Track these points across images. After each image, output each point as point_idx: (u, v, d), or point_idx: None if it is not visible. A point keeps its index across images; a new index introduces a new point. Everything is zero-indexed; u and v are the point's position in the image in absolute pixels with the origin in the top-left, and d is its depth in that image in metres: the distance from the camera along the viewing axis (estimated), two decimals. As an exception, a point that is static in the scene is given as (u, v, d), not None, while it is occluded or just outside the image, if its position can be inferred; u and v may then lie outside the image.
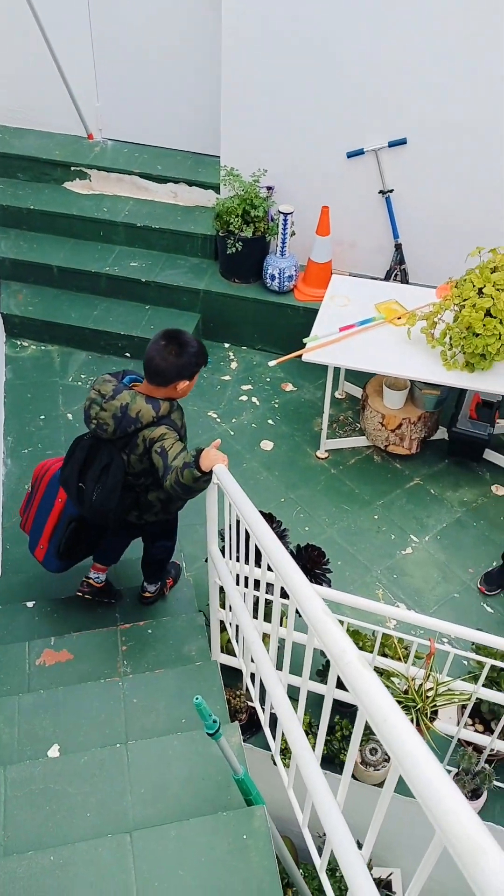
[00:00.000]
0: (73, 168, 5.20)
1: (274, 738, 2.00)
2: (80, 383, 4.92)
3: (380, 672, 2.92)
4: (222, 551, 2.76)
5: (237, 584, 2.48)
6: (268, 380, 4.97)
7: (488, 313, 3.59)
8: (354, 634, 3.04)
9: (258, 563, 2.29)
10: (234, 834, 1.90)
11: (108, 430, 2.57)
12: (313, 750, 1.60)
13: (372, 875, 3.17)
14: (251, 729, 3.07)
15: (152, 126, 5.22)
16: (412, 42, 4.11)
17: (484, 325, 3.58)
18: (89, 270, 5.02)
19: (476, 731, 3.04)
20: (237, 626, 2.43)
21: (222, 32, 4.36)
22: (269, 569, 1.80)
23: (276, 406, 4.81)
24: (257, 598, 2.50)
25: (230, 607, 2.48)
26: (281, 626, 2.02)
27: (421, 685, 2.75)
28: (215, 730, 1.77)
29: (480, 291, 3.61)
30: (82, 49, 4.98)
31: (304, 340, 4.07)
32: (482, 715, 3.05)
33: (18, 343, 5.13)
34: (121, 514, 2.73)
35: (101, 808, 2.11)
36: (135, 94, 5.13)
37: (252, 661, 2.11)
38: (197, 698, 1.72)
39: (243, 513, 1.89)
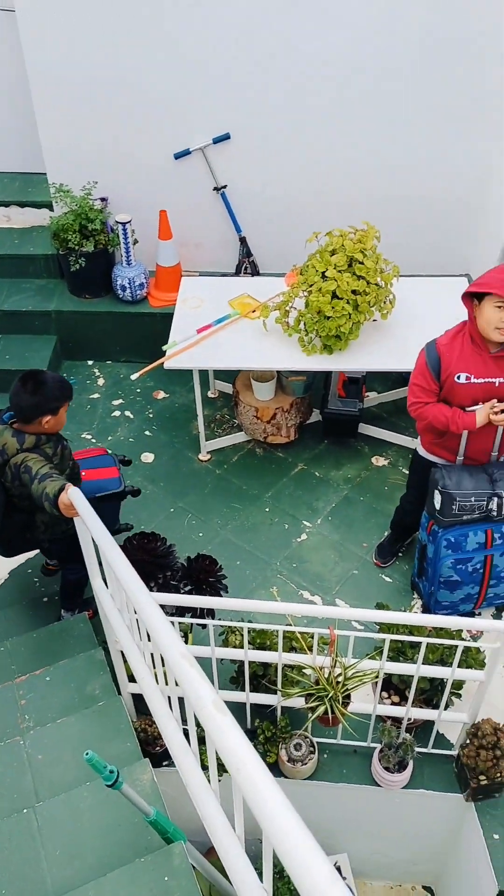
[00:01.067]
0: None
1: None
2: None
3: (290, 668, 2.92)
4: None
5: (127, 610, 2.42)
6: (138, 391, 4.89)
7: (335, 295, 3.64)
8: (261, 634, 3.03)
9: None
10: (155, 879, 1.85)
11: None
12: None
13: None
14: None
15: (-29, 151, 5.01)
16: (222, 36, 4.09)
17: (333, 308, 3.63)
18: None
19: (392, 703, 3.09)
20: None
21: (23, 48, 4.20)
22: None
23: (151, 416, 4.74)
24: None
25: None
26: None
27: (330, 672, 2.77)
28: (113, 780, 1.71)
29: (324, 275, 3.65)
30: None
31: (164, 348, 4.02)
32: (395, 686, 3.11)
33: None
34: (15, 545, 3.10)
35: (15, 881, 2.01)
36: None
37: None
38: (87, 753, 1.65)
39: (107, 559, 1.82)
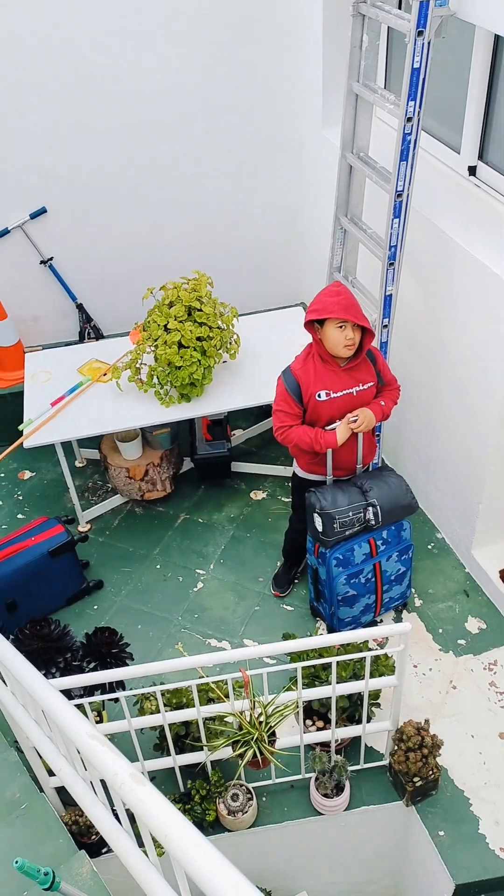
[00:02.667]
0: None
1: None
2: None
3: (212, 720, 2.89)
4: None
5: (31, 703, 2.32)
6: (2, 475, 4.74)
7: (181, 345, 3.71)
8: (176, 693, 2.98)
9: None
10: None
11: None
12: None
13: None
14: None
15: None
16: (23, 114, 4.13)
17: (181, 357, 3.69)
18: None
19: (318, 728, 3.12)
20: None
21: None
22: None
23: (21, 498, 4.60)
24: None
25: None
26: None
27: (251, 714, 2.76)
28: (50, 883, 1.63)
29: (166, 328, 3.72)
30: None
31: (20, 427, 3.93)
32: (317, 711, 3.14)
33: None
34: None
35: None
36: None
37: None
38: (17, 861, 1.56)
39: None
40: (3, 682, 2.51)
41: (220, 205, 4.64)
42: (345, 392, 3.12)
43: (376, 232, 3.40)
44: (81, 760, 1.77)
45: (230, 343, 3.91)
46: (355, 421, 3.10)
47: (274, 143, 4.53)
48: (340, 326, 2.94)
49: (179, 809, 2.97)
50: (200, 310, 3.72)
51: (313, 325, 3.03)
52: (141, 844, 1.54)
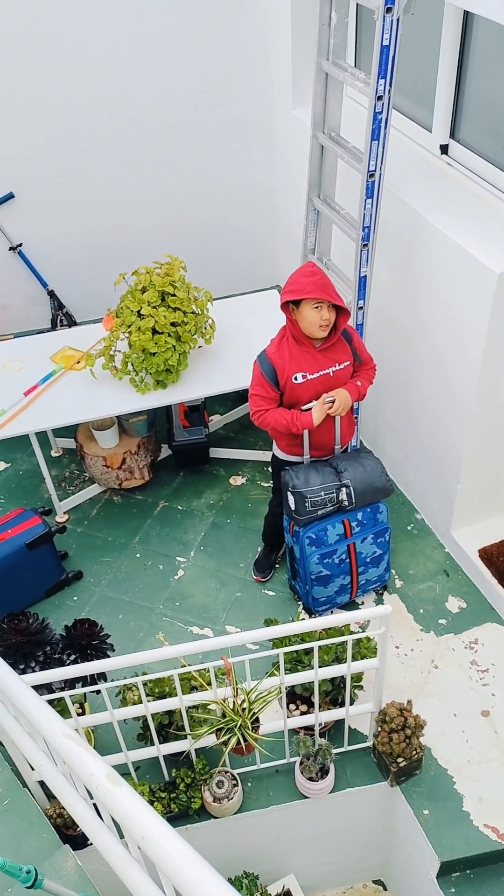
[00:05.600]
0: None
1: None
2: None
3: (195, 708, 2.88)
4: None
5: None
6: (-23, 468, 4.67)
7: (155, 331, 3.66)
8: (159, 683, 2.96)
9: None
10: None
11: None
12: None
13: (270, 893, 3.16)
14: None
15: None
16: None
17: (156, 343, 3.65)
18: None
19: (302, 713, 3.12)
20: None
21: None
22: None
23: (-3, 490, 4.54)
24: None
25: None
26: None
27: (234, 701, 2.75)
28: (32, 881, 1.61)
29: (139, 314, 3.66)
30: None
31: (-7, 419, 3.87)
32: (301, 696, 3.14)
33: None
34: None
35: None
36: None
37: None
38: (-4, 861, 1.54)
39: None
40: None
41: (193, 187, 4.58)
42: (321, 373, 3.10)
43: (349, 213, 3.36)
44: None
45: (205, 328, 3.87)
46: (331, 402, 3.08)
47: (246, 123, 4.47)
48: (316, 307, 2.92)
49: (164, 798, 2.97)
50: (174, 295, 3.67)
51: (288, 306, 3.00)
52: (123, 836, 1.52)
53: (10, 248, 4.51)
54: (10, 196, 4.35)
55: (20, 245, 4.51)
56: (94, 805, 1.67)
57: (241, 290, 4.69)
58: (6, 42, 3.90)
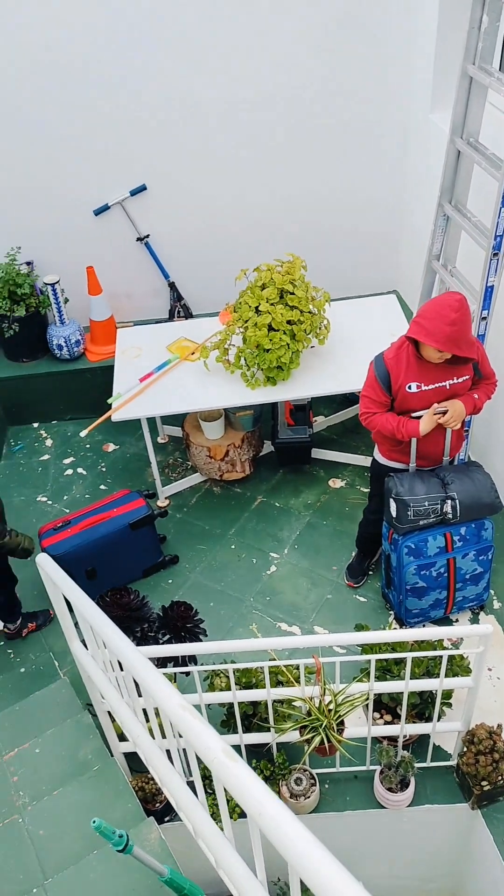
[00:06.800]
0: None
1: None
2: None
3: (280, 703, 2.90)
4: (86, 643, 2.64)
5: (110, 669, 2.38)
6: (88, 447, 4.85)
7: (271, 328, 3.70)
8: (246, 673, 3.01)
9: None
10: (178, 940, 1.80)
11: None
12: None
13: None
14: (175, 806, 2.95)
15: None
16: (127, 92, 4.18)
17: (271, 340, 3.68)
18: None
19: (385, 722, 3.09)
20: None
21: None
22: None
23: (104, 470, 4.70)
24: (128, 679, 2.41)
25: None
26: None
27: (320, 702, 2.76)
28: (124, 845, 1.67)
29: (257, 310, 3.71)
30: None
31: (109, 401, 4.01)
32: (386, 705, 3.12)
33: None
34: None
35: None
36: None
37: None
38: (94, 821, 1.61)
39: (88, 620, 1.79)
40: (85, 646, 2.58)
41: (319, 187, 4.59)
42: (437, 385, 3.05)
43: (481, 220, 3.29)
44: (160, 728, 1.80)
45: (320, 328, 3.88)
46: (444, 413, 3.02)
47: (380, 126, 4.44)
48: (440, 349, 2.88)
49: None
50: (293, 293, 3.70)
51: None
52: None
53: (138, 239, 4.66)
54: (143, 188, 4.48)
55: (147, 236, 4.65)
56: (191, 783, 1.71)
57: (359, 293, 4.67)
58: (151, 42, 4.03)
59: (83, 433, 4.29)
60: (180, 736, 1.27)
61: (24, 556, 3.37)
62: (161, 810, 2.84)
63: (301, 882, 1.04)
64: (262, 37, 4.08)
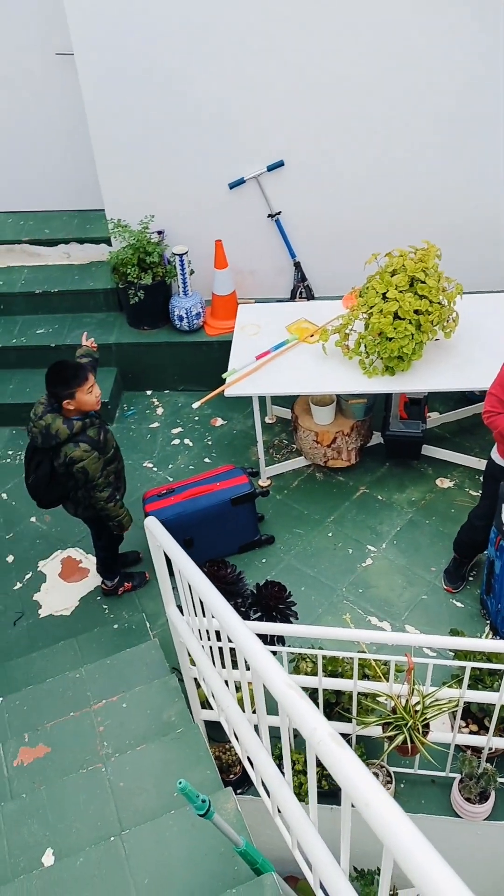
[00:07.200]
0: (-40, 249, 5.09)
1: (268, 794, 1.93)
2: (8, 461, 4.78)
3: (364, 696, 2.87)
4: (181, 609, 2.69)
5: (201, 638, 2.41)
6: (196, 419, 4.92)
7: (396, 316, 3.63)
8: (333, 661, 2.99)
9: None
10: (247, 911, 1.82)
11: (38, 442, 3.22)
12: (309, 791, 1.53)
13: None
14: (248, 779, 2.98)
15: (33, 192, 5.16)
16: (274, 68, 4.16)
17: (395, 329, 3.61)
18: (-4, 346, 4.92)
19: (471, 732, 3.01)
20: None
21: (81, 90, 4.34)
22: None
23: (210, 443, 4.76)
24: (223, 648, 2.43)
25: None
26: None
27: (407, 701, 2.71)
28: (206, 810, 1.70)
29: (384, 296, 3.64)
30: None
31: (223, 376, 4.04)
32: (473, 714, 3.03)
33: None
34: (50, 500, 3.43)
35: (106, 911, 2.00)
36: (9, 165, 5.07)
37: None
38: (181, 782, 1.64)
39: (190, 579, 1.82)
40: (181, 611, 2.63)
41: (462, 175, 4.43)
42: None
43: None
44: (251, 701, 1.81)
45: (448, 320, 3.76)
46: None
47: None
48: None
49: (318, 773, 3.00)
50: (424, 282, 3.60)
51: None
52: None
53: (269, 216, 4.65)
54: (281, 164, 4.47)
55: (279, 213, 4.64)
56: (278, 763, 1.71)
57: (492, 288, 4.50)
58: (290, 23, 3.98)
59: (195, 405, 4.35)
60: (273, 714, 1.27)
61: (118, 530, 3.50)
62: (236, 782, 2.87)
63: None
64: (416, 14, 3.95)
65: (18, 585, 4.07)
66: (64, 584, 4.04)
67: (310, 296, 4.83)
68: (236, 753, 2.96)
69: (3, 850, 2.41)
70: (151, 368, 4.99)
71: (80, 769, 2.62)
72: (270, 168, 4.48)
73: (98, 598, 3.94)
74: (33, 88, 4.76)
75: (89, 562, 4.12)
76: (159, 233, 4.73)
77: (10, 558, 4.22)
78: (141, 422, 4.93)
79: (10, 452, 4.81)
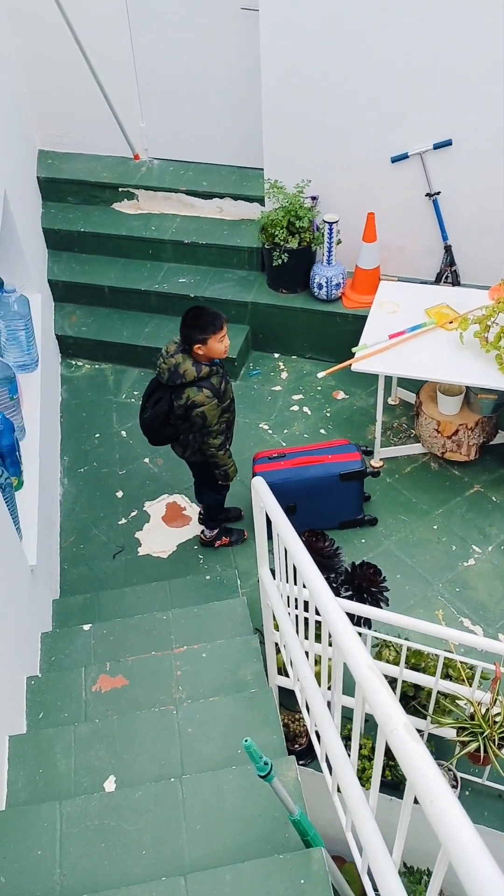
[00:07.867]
0: (120, 189, 5.22)
1: (331, 772, 1.94)
2: (133, 400, 4.94)
3: (444, 696, 2.81)
4: (273, 572, 2.71)
5: (288, 605, 2.43)
6: (319, 388, 4.89)
7: (545, 315, 3.44)
8: (417, 654, 2.94)
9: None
10: (291, 879, 1.84)
11: (164, 378, 3.30)
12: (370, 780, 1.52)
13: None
14: (312, 752, 3.00)
15: (196, 143, 5.21)
16: (452, 43, 3.98)
17: (541, 328, 3.43)
18: (139, 289, 5.04)
19: (549, 754, 2.89)
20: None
21: (260, 47, 4.31)
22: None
23: (328, 415, 4.73)
24: (308, 619, 2.44)
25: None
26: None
27: (488, 710, 2.63)
28: (266, 772, 1.72)
29: (536, 292, 3.46)
30: (125, 72, 4.99)
31: (354, 350, 3.99)
32: None
33: (73, 363, 5.19)
34: (160, 438, 3.53)
35: (156, 845, 2.07)
36: (178, 113, 5.13)
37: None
38: (246, 740, 1.66)
39: (288, 545, 1.82)
40: (273, 575, 2.65)
41: None
42: None
43: None
44: (329, 675, 1.81)
45: None
46: None
47: None
48: None
49: (384, 762, 2.98)
50: None
51: None
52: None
53: (427, 195, 4.50)
54: (449, 143, 4.29)
55: (438, 193, 4.47)
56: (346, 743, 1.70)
57: None
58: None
59: (320, 375, 4.33)
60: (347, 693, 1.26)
61: (223, 479, 3.56)
62: (299, 753, 2.89)
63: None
64: None
65: (123, 521, 4.23)
66: (165, 528, 4.16)
67: (455, 281, 4.66)
68: (304, 724, 2.98)
69: (69, 768, 2.54)
70: (282, 332, 4.98)
71: (152, 707, 2.71)
72: (437, 146, 4.31)
73: (195, 546, 4.04)
74: (214, 42, 4.77)
75: (192, 510, 4.22)
76: (313, 198, 4.68)
77: (119, 493, 4.38)
78: (264, 383, 4.96)
79: (135, 393, 4.96)
